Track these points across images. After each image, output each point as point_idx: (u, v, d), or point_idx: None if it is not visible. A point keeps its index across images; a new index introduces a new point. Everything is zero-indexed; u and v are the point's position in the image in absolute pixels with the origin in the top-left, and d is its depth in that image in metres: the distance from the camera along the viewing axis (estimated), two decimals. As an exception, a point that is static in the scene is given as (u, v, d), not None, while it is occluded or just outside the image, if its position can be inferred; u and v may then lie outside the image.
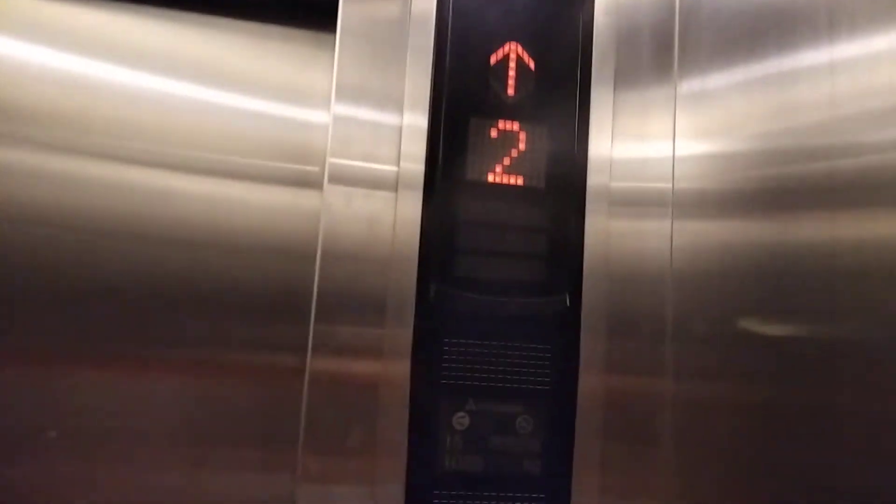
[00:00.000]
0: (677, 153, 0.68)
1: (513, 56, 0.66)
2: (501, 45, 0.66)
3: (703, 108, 0.68)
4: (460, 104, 0.65)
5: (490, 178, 0.64)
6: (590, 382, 0.62)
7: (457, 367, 0.61)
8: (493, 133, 0.65)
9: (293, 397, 0.60)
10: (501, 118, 0.65)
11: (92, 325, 0.64)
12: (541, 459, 0.60)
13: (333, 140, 0.63)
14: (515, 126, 0.65)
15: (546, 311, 0.62)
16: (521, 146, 0.65)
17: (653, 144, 0.69)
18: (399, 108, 0.64)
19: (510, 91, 0.66)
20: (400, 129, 0.64)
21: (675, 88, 0.69)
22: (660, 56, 0.70)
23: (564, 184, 0.65)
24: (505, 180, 0.64)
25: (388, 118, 0.64)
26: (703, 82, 0.68)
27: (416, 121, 0.64)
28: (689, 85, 0.69)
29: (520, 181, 0.65)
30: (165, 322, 0.65)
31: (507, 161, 0.65)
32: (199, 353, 0.66)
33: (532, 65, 0.66)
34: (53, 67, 0.67)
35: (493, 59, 0.66)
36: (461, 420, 0.60)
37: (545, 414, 0.61)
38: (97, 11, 0.69)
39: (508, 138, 0.65)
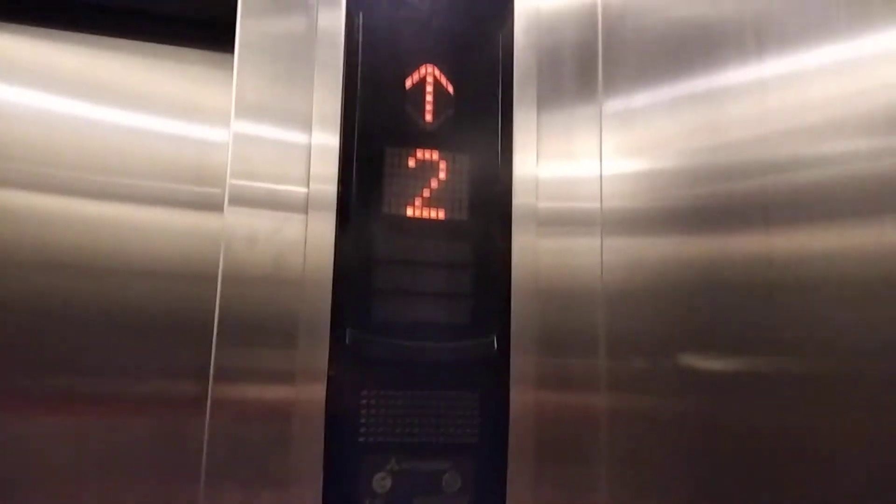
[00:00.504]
0: (605, 172, 0.66)
1: (430, 80, 0.62)
2: (417, 67, 0.61)
3: (629, 126, 0.66)
4: (374, 131, 0.60)
5: (409, 211, 0.59)
6: (521, 422, 0.59)
7: (377, 422, 0.55)
8: (411, 162, 0.60)
9: (197, 428, 0.55)
10: (419, 146, 0.60)
11: None
12: (470, 519, 0.55)
13: (234, 160, 0.57)
14: (435, 155, 0.61)
15: (473, 356, 0.58)
16: (442, 175, 0.61)
17: (580, 163, 0.66)
18: (307, 127, 0.59)
19: (428, 117, 0.61)
20: (309, 149, 0.58)
21: (601, 107, 0.67)
22: (584, 75, 0.67)
23: (489, 213, 0.61)
24: (425, 214, 0.60)
25: (294, 137, 0.59)
26: (629, 101, 0.66)
27: (327, 140, 0.59)
28: (615, 104, 0.67)
29: (441, 214, 0.60)
30: (60, 350, 0.61)
31: (426, 192, 0.60)
32: (98, 383, 0.62)
33: (450, 89, 0.62)
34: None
35: (408, 83, 0.61)
36: (383, 481, 0.54)
37: (474, 468, 0.56)
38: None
39: (427, 168, 0.60)
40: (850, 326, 0.45)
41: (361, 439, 0.55)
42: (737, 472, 0.53)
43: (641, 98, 0.65)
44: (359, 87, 0.60)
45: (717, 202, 0.56)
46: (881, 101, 0.41)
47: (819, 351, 0.48)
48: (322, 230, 0.57)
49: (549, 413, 0.59)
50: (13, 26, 0.64)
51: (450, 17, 0.63)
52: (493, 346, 0.59)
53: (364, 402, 0.55)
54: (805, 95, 0.49)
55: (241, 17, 0.59)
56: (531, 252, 0.62)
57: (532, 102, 0.64)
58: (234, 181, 0.57)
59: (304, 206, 0.57)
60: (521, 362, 0.59)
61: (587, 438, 0.61)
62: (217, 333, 0.54)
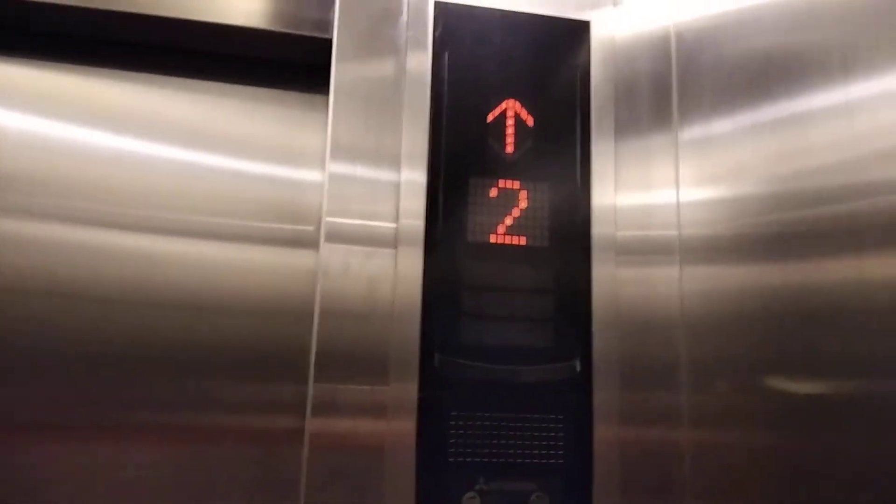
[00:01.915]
0: (682, 199, 0.67)
1: (510, 113, 0.64)
2: (499, 102, 0.64)
3: (706, 153, 0.66)
4: (459, 163, 0.63)
5: (492, 238, 0.62)
6: (605, 451, 0.59)
7: (465, 443, 0.57)
8: (493, 192, 0.63)
9: (294, 460, 0.58)
10: (501, 177, 0.63)
11: (86, 392, 0.62)
12: (558, 541, 0.56)
13: (329, 199, 0.61)
14: (516, 184, 0.63)
15: (557, 379, 0.59)
16: (523, 204, 0.63)
17: (657, 192, 0.67)
18: (396, 166, 0.62)
19: (509, 149, 0.64)
20: (398, 187, 0.62)
21: (676, 135, 0.68)
22: (659, 104, 0.69)
23: (569, 240, 0.63)
24: (507, 241, 0.62)
25: (385, 175, 0.62)
26: (707, 128, 0.67)
27: (415, 177, 0.62)
28: (691, 131, 0.68)
29: (523, 241, 0.62)
30: (162, 387, 0.63)
31: (508, 220, 0.62)
32: (197, 418, 0.64)
33: (530, 121, 0.65)
34: (37, 133, 0.66)
35: (490, 117, 0.64)
36: (471, 500, 0.56)
37: (560, 490, 0.57)
38: (85, 78, 0.68)
39: (509, 197, 0.63)
40: None
41: (451, 459, 0.57)
42: (805, 490, 0.52)
43: (719, 125, 0.66)
44: (444, 123, 0.63)
45: (804, 227, 0.55)
46: None
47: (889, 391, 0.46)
48: (410, 263, 0.60)
49: (632, 443, 0.60)
50: (128, 74, 0.69)
51: (529, 53, 0.66)
52: (576, 370, 0.60)
53: (453, 423, 0.57)
54: (894, 117, 0.48)
55: (336, 60, 0.63)
56: (611, 281, 0.63)
57: (609, 132, 0.66)
58: (330, 219, 0.60)
59: (393, 241, 0.60)
60: (603, 389, 0.60)
61: (671, 471, 0.61)
62: (314, 367, 0.57)
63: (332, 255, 0.60)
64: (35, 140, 0.66)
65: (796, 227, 0.56)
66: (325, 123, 0.63)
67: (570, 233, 0.63)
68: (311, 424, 0.56)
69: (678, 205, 0.67)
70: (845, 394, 0.51)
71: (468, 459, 0.57)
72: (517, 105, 0.65)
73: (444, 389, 0.58)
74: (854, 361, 0.50)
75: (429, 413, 0.57)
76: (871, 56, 0.49)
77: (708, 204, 0.66)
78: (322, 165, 0.63)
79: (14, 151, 0.65)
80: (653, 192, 0.67)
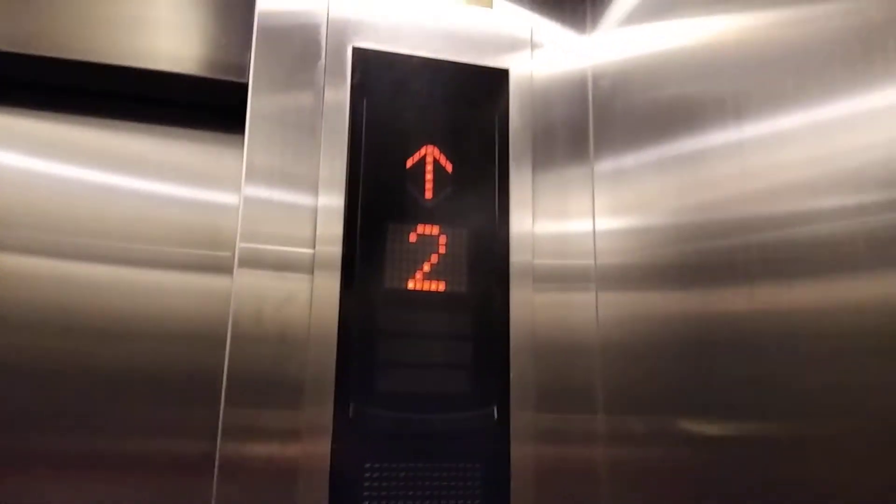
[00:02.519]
0: (598, 228, 0.70)
1: (429, 159, 0.65)
2: (418, 148, 0.65)
3: (619, 186, 0.69)
4: (378, 208, 0.63)
5: (410, 284, 0.62)
6: (522, 492, 0.59)
7: (380, 494, 0.56)
8: (412, 237, 0.63)
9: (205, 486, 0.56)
10: (420, 222, 0.63)
11: None
12: None
13: (244, 223, 0.60)
14: (435, 230, 0.63)
15: (474, 428, 0.59)
16: (441, 250, 0.63)
17: (574, 222, 0.70)
18: (313, 194, 0.62)
19: (428, 195, 0.64)
20: (315, 214, 0.61)
21: (592, 168, 0.71)
22: (576, 139, 0.71)
23: (488, 279, 0.64)
24: (425, 287, 0.62)
25: (302, 201, 0.62)
26: (619, 162, 0.70)
27: (332, 207, 0.62)
28: (606, 164, 0.71)
29: (441, 287, 0.62)
30: (70, 410, 0.62)
31: (427, 267, 0.63)
32: (106, 443, 0.63)
33: (449, 167, 0.65)
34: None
35: (409, 163, 0.65)
36: (386, 556, 0.55)
37: (476, 541, 0.57)
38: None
39: (428, 242, 0.63)
40: (830, 383, 0.46)
41: (365, 512, 0.55)
42: None
43: (629, 159, 0.69)
44: (362, 166, 0.63)
45: (701, 259, 0.58)
46: (851, 163, 0.43)
47: (802, 410, 0.48)
48: (328, 289, 0.60)
49: (549, 469, 0.60)
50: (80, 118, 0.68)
51: (448, 100, 0.67)
52: (494, 417, 0.60)
53: (367, 474, 0.56)
54: (782, 156, 0.51)
55: (252, 93, 0.62)
56: (529, 308, 0.64)
57: (528, 166, 0.68)
58: (244, 244, 0.60)
59: (310, 267, 0.60)
60: (520, 425, 0.61)
61: (587, 491, 0.62)
62: (225, 391, 0.56)
63: (245, 280, 0.59)
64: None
65: (693, 258, 0.58)
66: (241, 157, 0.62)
67: (489, 271, 0.64)
68: (222, 449, 0.55)
69: (594, 233, 0.70)
70: (736, 422, 0.53)
71: (383, 512, 0.56)
72: (436, 151, 0.65)
73: (358, 439, 0.57)
74: (747, 384, 0.52)
75: (342, 463, 0.56)
76: (760, 102, 0.52)
77: (620, 233, 0.68)
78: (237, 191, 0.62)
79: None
80: (570, 222, 0.70)
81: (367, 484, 0.56)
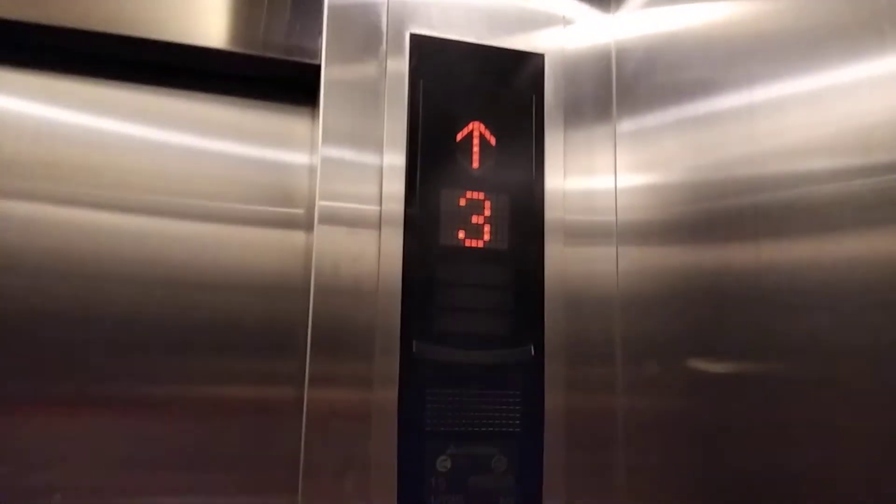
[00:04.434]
0: (619, 185, 0.79)
1: (476, 133, 0.75)
2: (466, 123, 0.75)
3: (640, 145, 0.77)
4: (432, 177, 0.73)
5: (460, 242, 0.72)
6: (554, 419, 0.71)
7: (438, 415, 0.68)
8: (462, 202, 0.73)
9: (292, 427, 0.67)
10: (468, 188, 0.73)
11: (90, 366, 0.69)
12: (514, 495, 0.68)
13: (322, 182, 0.69)
14: (480, 195, 0.74)
15: (514, 361, 0.71)
16: (486, 212, 0.74)
17: (599, 178, 0.79)
18: (379, 153, 0.71)
19: (475, 164, 0.74)
20: (381, 173, 0.71)
21: (615, 128, 0.80)
22: (601, 102, 0.80)
23: (526, 237, 0.74)
24: (473, 244, 0.73)
25: (370, 160, 0.71)
26: (640, 122, 0.78)
27: (397, 163, 0.72)
28: (627, 125, 0.79)
29: (487, 243, 0.73)
30: (163, 361, 0.71)
31: (474, 226, 0.73)
32: (198, 390, 0.72)
33: (493, 140, 0.75)
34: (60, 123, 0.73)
35: (459, 136, 0.74)
36: (444, 463, 0.67)
37: (517, 452, 0.69)
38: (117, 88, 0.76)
39: (475, 206, 0.73)
40: (835, 330, 0.49)
41: (427, 429, 0.67)
42: (734, 463, 0.60)
43: (650, 119, 0.76)
44: (419, 141, 0.73)
45: (712, 215, 0.63)
46: (847, 127, 0.50)
47: (800, 353, 0.53)
48: (393, 244, 0.70)
49: (576, 410, 0.72)
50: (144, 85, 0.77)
51: (492, 80, 0.76)
52: (531, 353, 0.71)
53: (428, 398, 0.68)
54: (786, 121, 0.58)
55: (325, 72, 0.71)
56: (560, 260, 0.74)
57: (560, 131, 0.78)
58: (323, 202, 0.69)
59: (377, 223, 0.70)
60: (553, 368, 0.72)
61: (608, 432, 0.73)
62: (311, 341, 0.66)
63: (324, 236, 0.68)
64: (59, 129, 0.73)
65: (708, 214, 0.65)
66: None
67: (527, 229, 0.74)
68: (309, 395, 0.65)
69: (616, 190, 0.79)
70: (746, 368, 0.60)
71: (441, 429, 0.68)
72: (481, 126, 0.75)
73: (420, 370, 0.68)
74: (752, 331, 0.59)
75: (408, 390, 0.68)
76: (769, 71, 0.59)
77: (639, 190, 0.76)
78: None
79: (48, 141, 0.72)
80: (596, 178, 0.79)
81: (428, 406, 0.68)
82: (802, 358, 0.53)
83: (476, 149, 0.75)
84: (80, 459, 0.68)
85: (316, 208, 0.69)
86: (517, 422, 0.70)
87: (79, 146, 0.73)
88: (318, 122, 0.71)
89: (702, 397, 0.64)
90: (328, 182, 0.70)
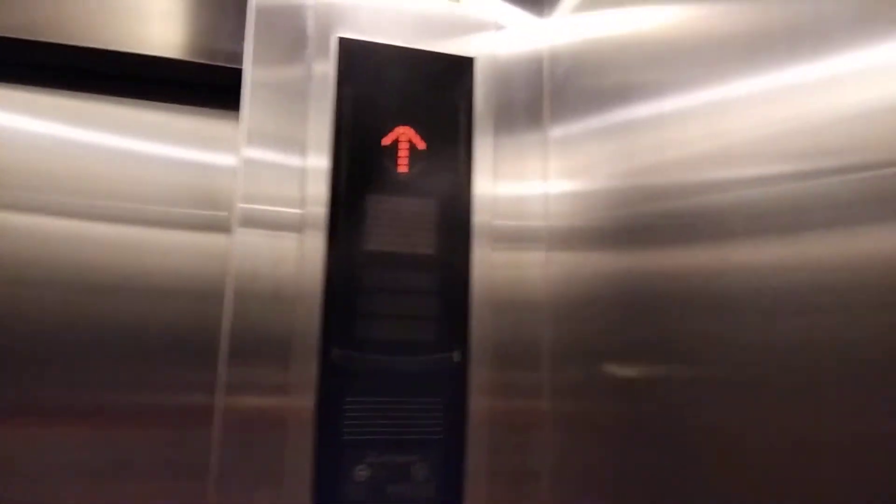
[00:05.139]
0: (550, 191, 0.79)
1: (404, 138, 0.74)
2: (393, 127, 0.74)
3: (568, 151, 0.77)
4: (358, 181, 0.72)
5: (385, 247, 0.71)
6: (478, 425, 0.70)
7: (357, 423, 0.67)
8: (387, 207, 0.72)
9: (203, 435, 0.65)
10: (394, 194, 0.73)
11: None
12: (434, 503, 0.67)
13: (244, 184, 0.68)
14: (407, 200, 0.73)
15: (438, 369, 0.70)
16: (413, 217, 0.73)
17: (530, 183, 0.79)
18: (303, 155, 0.71)
19: (402, 169, 0.73)
20: (304, 175, 0.70)
21: (546, 134, 0.80)
22: (533, 108, 0.80)
23: (454, 243, 0.73)
24: (399, 249, 0.72)
25: (293, 162, 0.71)
26: (568, 129, 0.78)
27: (320, 166, 0.71)
28: (558, 131, 0.79)
29: (413, 249, 0.72)
30: (75, 366, 0.70)
31: (400, 231, 0.72)
32: (108, 396, 0.70)
33: (421, 144, 0.74)
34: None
35: (386, 140, 0.74)
36: (362, 472, 0.66)
37: (438, 459, 0.68)
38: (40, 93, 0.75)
39: (401, 211, 0.73)
40: (758, 335, 0.53)
41: (345, 437, 0.66)
42: (656, 464, 0.60)
43: (576, 126, 0.77)
44: (343, 144, 0.72)
45: (633, 222, 0.64)
46: (756, 135, 0.51)
47: (725, 357, 0.54)
48: (315, 248, 0.69)
49: (501, 416, 0.71)
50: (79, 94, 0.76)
51: (421, 84, 0.76)
52: (455, 359, 0.70)
53: (347, 406, 0.67)
54: (689, 131, 0.59)
55: (252, 64, 0.70)
56: (488, 266, 0.74)
57: (490, 135, 0.77)
58: (243, 205, 0.68)
59: (299, 225, 0.69)
60: (478, 373, 0.71)
61: (533, 437, 0.72)
62: (227, 347, 0.65)
63: (244, 239, 0.67)
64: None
65: (629, 221, 0.66)
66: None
67: (454, 235, 0.73)
68: (223, 402, 0.64)
69: (546, 196, 0.79)
70: (665, 373, 0.61)
71: (360, 437, 0.67)
72: (410, 131, 0.75)
73: (339, 377, 0.67)
74: (676, 336, 0.60)
75: (325, 397, 0.66)
76: (674, 82, 0.60)
77: (568, 196, 0.76)
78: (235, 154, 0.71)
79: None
80: (527, 183, 0.79)
81: (346, 414, 0.67)
82: (716, 361, 0.54)
83: (403, 153, 0.74)
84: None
85: (236, 210, 0.68)
86: (439, 429, 0.69)
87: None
88: (242, 119, 0.70)
89: (625, 402, 0.65)
90: (249, 184, 0.69)
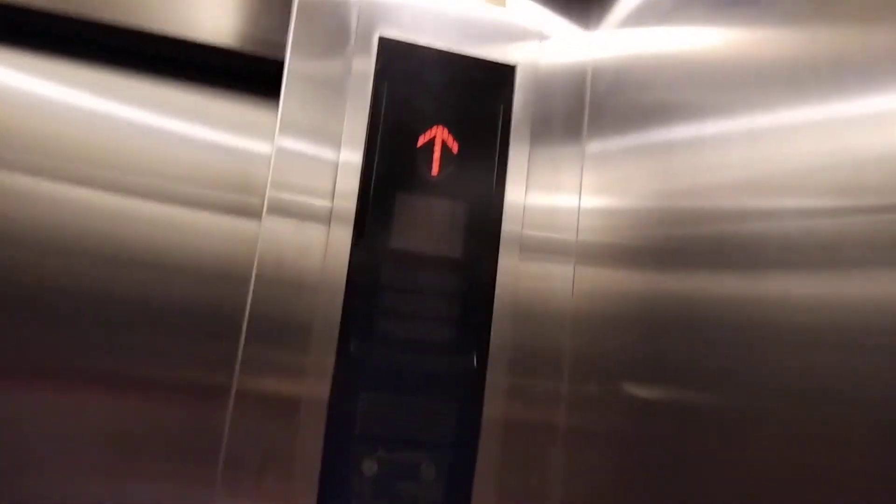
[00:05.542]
0: (583, 205, 0.79)
1: (438, 139, 0.75)
2: (428, 128, 0.74)
3: (605, 166, 0.77)
4: (389, 179, 0.72)
5: (412, 246, 0.72)
6: (491, 432, 0.70)
7: (370, 417, 0.68)
8: (417, 207, 0.73)
9: (218, 414, 0.66)
10: (425, 194, 0.73)
11: (28, 336, 0.69)
12: (440, 504, 0.67)
13: (274, 172, 0.69)
14: (438, 202, 0.73)
15: (455, 371, 0.70)
16: (442, 219, 0.73)
17: (563, 196, 0.79)
18: (336, 149, 0.71)
19: (434, 170, 0.74)
20: (336, 169, 0.71)
21: (584, 148, 0.79)
22: (571, 120, 0.80)
23: (481, 249, 0.74)
24: (425, 250, 0.72)
25: (326, 155, 0.71)
26: (605, 143, 0.77)
27: (353, 161, 0.71)
28: (595, 145, 0.79)
29: (438, 250, 0.72)
30: (102, 336, 0.71)
31: (427, 232, 0.73)
32: (133, 367, 0.72)
33: (455, 147, 0.75)
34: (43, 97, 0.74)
35: (420, 141, 0.74)
36: (370, 466, 0.66)
37: (447, 463, 0.68)
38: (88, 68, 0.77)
39: (431, 212, 0.73)
40: (785, 369, 0.52)
41: (356, 430, 0.67)
42: (670, 488, 0.60)
43: (614, 143, 0.77)
44: (378, 142, 0.73)
45: (666, 243, 0.63)
46: (797, 167, 0.50)
47: (750, 391, 0.55)
48: (341, 241, 0.70)
49: (515, 424, 0.71)
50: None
51: (459, 88, 0.76)
52: (473, 363, 0.71)
53: (361, 400, 0.68)
54: (727, 157, 0.58)
55: (291, 57, 0.71)
56: (514, 274, 0.74)
57: (525, 145, 0.77)
58: (273, 192, 0.69)
59: (327, 218, 0.70)
60: (495, 380, 0.71)
61: (548, 450, 0.72)
62: (247, 330, 0.66)
63: (271, 226, 0.68)
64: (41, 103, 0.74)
65: (662, 242, 0.66)
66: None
67: (482, 240, 0.74)
68: (239, 382, 0.65)
69: (579, 210, 0.78)
70: (690, 390, 0.61)
71: (371, 432, 0.67)
72: (445, 132, 0.75)
73: (356, 370, 0.68)
74: (699, 365, 0.60)
75: (340, 388, 0.67)
76: (715, 105, 0.60)
77: (601, 212, 0.76)
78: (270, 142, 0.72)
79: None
80: (560, 196, 0.78)
81: (360, 407, 0.67)
82: (740, 390, 0.53)
83: (437, 155, 0.74)
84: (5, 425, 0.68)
85: (266, 198, 0.69)
86: (451, 431, 0.69)
87: (41, 117, 0.73)
88: (279, 108, 0.71)
89: (642, 423, 0.64)
90: (281, 173, 0.70)
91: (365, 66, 0.74)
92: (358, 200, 0.71)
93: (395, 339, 0.70)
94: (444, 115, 0.75)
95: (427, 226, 0.73)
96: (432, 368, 0.70)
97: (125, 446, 0.71)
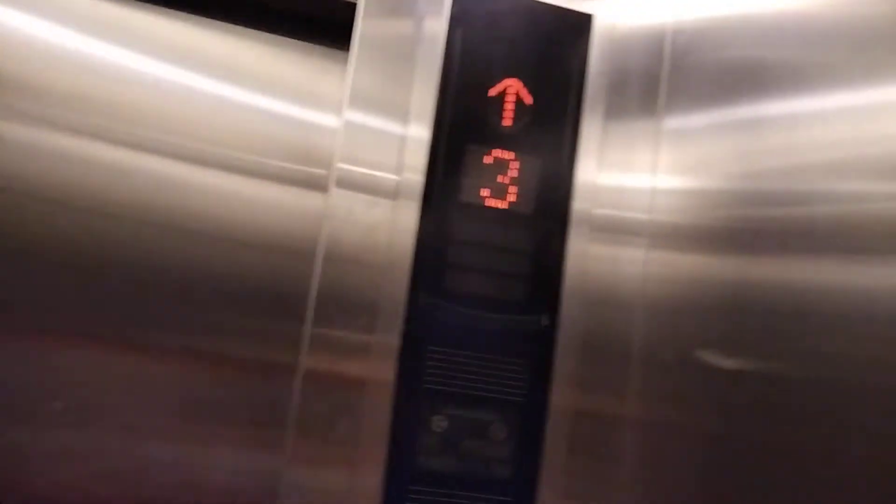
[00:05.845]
0: (657, 185, 0.74)
1: (511, 90, 0.72)
2: (501, 79, 0.71)
3: (683, 144, 0.73)
4: (460, 129, 0.70)
5: (482, 200, 0.69)
6: (560, 397, 0.68)
7: (439, 374, 0.66)
8: (488, 159, 0.70)
9: (285, 387, 0.65)
10: (497, 146, 0.70)
11: (95, 305, 0.68)
12: (510, 465, 0.65)
13: (343, 145, 0.67)
14: (509, 155, 0.71)
15: (525, 329, 0.67)
16: (513, 173, 0.71)
17: (636, 175, 0.74)
18: (404, 121, 0.69)
19: (507, 122, 0.71)
20: (404, 141, 0.68)
21: (659, 124, 0.74)
22: (647, 92, 0.75)
23: (550, 210, 0.71)
24: (495, 204, 0.70)
25: (393, 128, 0.69)
26: (685, 120, 0.74)
27: (420, 134, 0.69)
28: (673, 122, 0.74)
29: (510, 205, 0.70)
30: (168, 308, 0.69)
31: (498, 186, 0.70)
32: (198, 340, 0.70)
33: (528, 99, 0.72)
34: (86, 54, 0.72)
35: (492, 92, 0.71)
36: (440, 423, 0.65)
37: (517, 423, 0.66)
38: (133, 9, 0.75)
39: (502, 165, 0.70)
40: (874, 359, 0.49)
41: (426, 386, 0.65)
42: (744, 478, 0.59)
43: (694, 119, 0.73)
44: (450, 91, 0.70)
45: (748, 225, 0.62)
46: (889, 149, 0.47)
47: (840, 381, 0.52)
48: (408, 213, 0.67)
49: (585, 384, 0.68)
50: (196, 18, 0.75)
51: (534, 38, 0.73)
52: (542, 324, 0.68)
53: (430, 356, 0.66)
54: (829, 134, 0.54)
55: (363, 17, 0.69)
56: (583, 254, 0.70)
57: (600, 115, 0.73)
58: (341, 165, 0.67)
59: (394, 192, 0.68)
60: (565, 346, 0.68)
61: (614, 432, 0.69)
62: (315, 301, 0.64)
63: (338, 201, 0.66)
64: (86, 61, 0.72)
65: (739, 224, 0.63)
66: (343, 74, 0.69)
67: (552, 203, 0.71)
68: (307, 360, 0.64)
69: (653, 190, 0.74)
70: (758, 383, 0.58)
71: (441, 388, 0.65)
72: (518, 84, 0.72)
73: (425, 326, 0.66)
74: (777, 352, 0.57)
75: (410, 344, 0.65)
76: (815, 76, 0.56)
77: (677, 192, 0.73)
78: (338, 112, 0.69)
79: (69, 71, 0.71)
80: (632, 175, 0.74)
81: (429, 363, 0.66)
82: (825, 381, 0.52)
83: (510, 105, 0.71)
84: (82, 387, 0.67)
85: (333, 171, 0.67)
86: (521, 391, 0.67)
87: (94, 75, 0.72)
88: (348, 79, 0.69)
89: (715, 412, 0.62)
90: (348, 146, 0.67)
91: (436, 25, 0.71)
92: (429, 154, 0.69)
93: (464, 295, 0.67)
94: (519, 65, 0.72)
95: (499, 178, 0.70)
96: (502, 326, 0.68)
97: (200, 416, 0.69)
